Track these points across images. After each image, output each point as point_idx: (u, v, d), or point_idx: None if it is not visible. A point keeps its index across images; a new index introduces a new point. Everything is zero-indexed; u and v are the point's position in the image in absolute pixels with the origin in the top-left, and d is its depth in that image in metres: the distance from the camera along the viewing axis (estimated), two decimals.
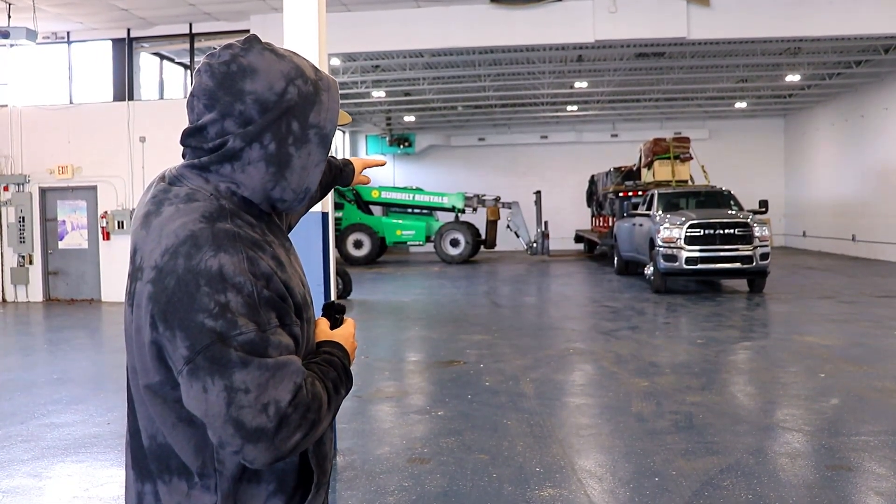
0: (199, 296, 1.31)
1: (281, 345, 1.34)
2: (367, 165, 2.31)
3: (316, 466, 1.53)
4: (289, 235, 1.77)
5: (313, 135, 1.50)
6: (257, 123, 1.44)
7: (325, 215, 5.43)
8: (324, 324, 1.64)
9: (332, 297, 14.06)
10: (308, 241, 5.23)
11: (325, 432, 1.58)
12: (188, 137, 1.48)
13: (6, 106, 15.93)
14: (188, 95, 1.49)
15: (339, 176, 2.20)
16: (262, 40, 1.51)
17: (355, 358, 1.67)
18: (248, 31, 15.02)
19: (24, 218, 15.63)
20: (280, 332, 1.36)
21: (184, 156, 1.52)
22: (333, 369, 1.49)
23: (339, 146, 29.45)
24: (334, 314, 1.67)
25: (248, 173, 1.46)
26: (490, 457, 5.25)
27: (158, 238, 1.38)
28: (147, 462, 1.49)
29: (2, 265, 15.86)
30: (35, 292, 15.77)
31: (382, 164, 2.40)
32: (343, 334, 1.62)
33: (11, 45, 14.00)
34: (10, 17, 13.51)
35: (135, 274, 1.41)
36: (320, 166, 1.53)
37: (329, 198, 16.18)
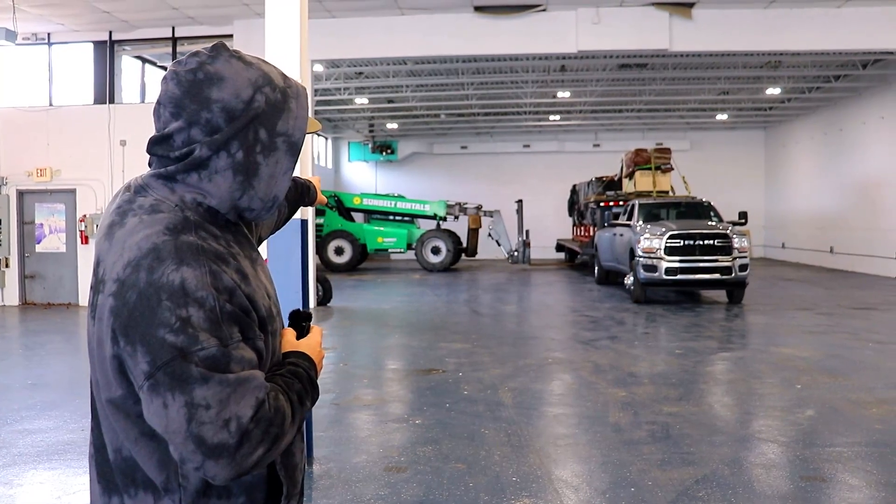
0: (160, 310, 1.29)
1: (244, 359, 1.33)
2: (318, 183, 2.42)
3: (285, 478, 1.51)
4: (268, 240, 1.77)
5: (281, 143, 1.49)
6: (224, 132, 1.43)
7: (304, 222, 5.41)
8: (290, 334, 1.62)
9: (312, 305, 13.97)
10: (287, 248, 5.20)
11: (293, 443, 1.57)
12: (154, 146, 1.47)
13: None
14: (155, 103, 1.48)
15: (307, 194, 2.26)
16: (230, 48, 1.50)
17: (322, 367, 1.64)
18: (231, 35, 15.00)
19: (0, 221, 15.47)
20: (243, 347, 1.35)
21: (150, 164, 1.51)
22: (298, 381, 1.48)
23: (322, 153, 29.39)
24: (301, 322, 1.65)
25: (215, 182, 1.45)
26: (467, 466, 5.24)
27: (121, 250, 1.36)
28: (113, 476, 1.47)
29: None
30: (11, 296, 15.60)
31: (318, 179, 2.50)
32: (309, 344, 1.60)
33: None
34: None
35: (97, 286, 1.39)
36: (288, 174, 1.52)
37: None
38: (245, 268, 1.45)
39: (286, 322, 1.66)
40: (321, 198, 2.39)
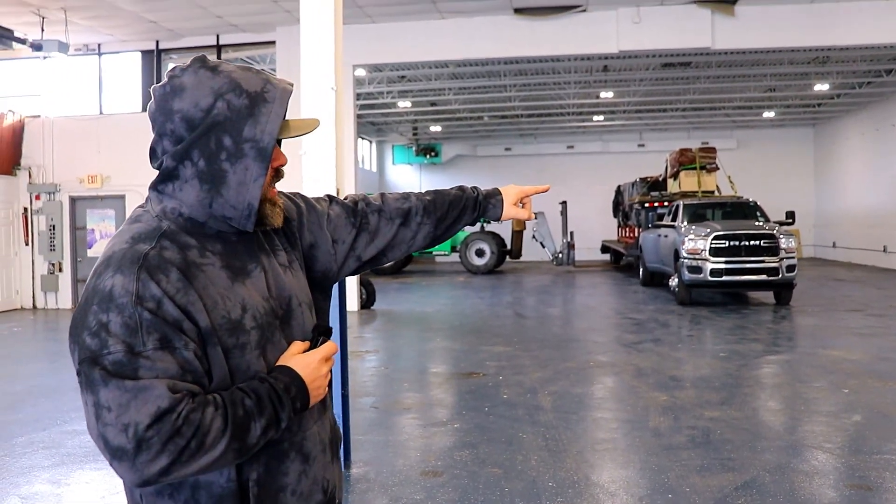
0: (89, 314, 1.37)
1: (155, 367, 1.34)
2: (525, 195, 2.03)
3: (256, 496, 1.50)
4: None
5: (249, 148, 1.49)
6: (185, 141, 1.47)
7: None
8: (294, 347, 1.58)
9: (355, 308, 14.04)
10: None
11: (284, 463, 1.55)
12: (150, 159, 1.54)
13: (38, 116, 16.25)
14: None
15: (471, 210, 1.98)
16: (211, 60, 1.53)
17: (323, 385, 1.59)
18: (273, 42, 15.23)
19: (54, 226, 15.92)
20: (159, 355, 1.35)
21: None
22: (254, 396, 1.44)
23: (367, 157, 29.60)
24: (317, 336, 1.62)
25: (185, 191, 1.50)
26: (503, 471, 5.24)
27: (100, 255, 1.49)
28: None
29: (32, 272, 16.13)
30: (64, 299, 16.02)
31: (546, 190, 2.11)
32: (304, 361, 1.55)
33: (44, 58, 14.29)
34: (43, 30, 13.80)
35: None
36: (259, 181, 1.51)
37: None
38: (206, 279, 1.46)
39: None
40: (516, 211, 2.00)
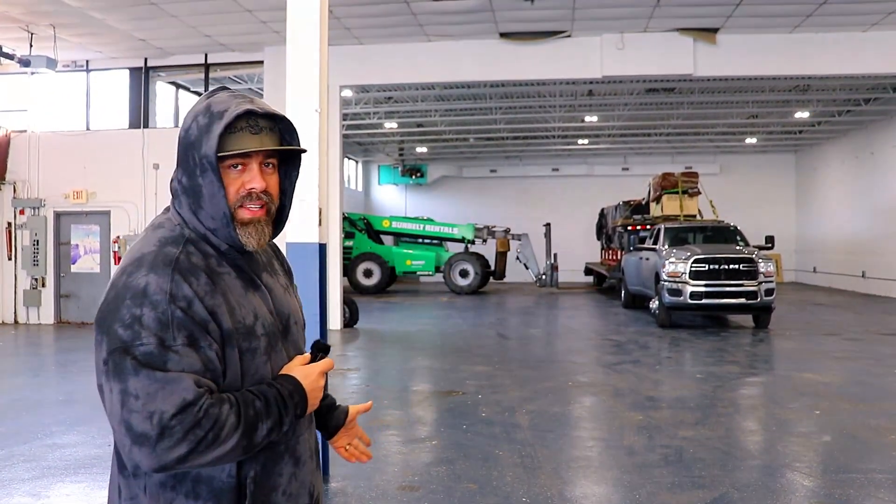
0: (122, 307, 1.48)
1: (182, 361, 1.46)
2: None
3: (251, 493, 1.61)
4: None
5: (206, 163, 1.61)
6: (177, 160, 1.66)
7: (322, 247, 5.55)
8: (298, 359, 1.72)
9: (337, 327, 14.10)
10: (305, 273, 5.35)
11: (278, 464, 1.66)
12: None
13: (25, 131, 16.28)
14: None
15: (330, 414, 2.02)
16: (221, 91, 1.69)
17: (319, 396, 1.73)
18: (261, 62, 15.36)
19: (38, 241, 15.90)
20: (186, 352, 1.48)
21: None
22: (263, 399, 1.57)
23: (353, 176, 29.73)
24: (316, 352, 1.77)
25: (182, 205, 1.66)
26: (479, 486, 5.33)
27: (123, 258, 1.61)
28: (118, 456, 1.63)
29: (15, 287, 16.09)
30: (47, 314, 15.97)
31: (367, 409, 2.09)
32: (305, 371, 1.69)
33: (32, 73, 14.35)
34: (31, 45, 13.86)
35: None
36: (220, 193, 1.61)
37: (337, 227, 16.06)
38: (225, 286, 1.61)
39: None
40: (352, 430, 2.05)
